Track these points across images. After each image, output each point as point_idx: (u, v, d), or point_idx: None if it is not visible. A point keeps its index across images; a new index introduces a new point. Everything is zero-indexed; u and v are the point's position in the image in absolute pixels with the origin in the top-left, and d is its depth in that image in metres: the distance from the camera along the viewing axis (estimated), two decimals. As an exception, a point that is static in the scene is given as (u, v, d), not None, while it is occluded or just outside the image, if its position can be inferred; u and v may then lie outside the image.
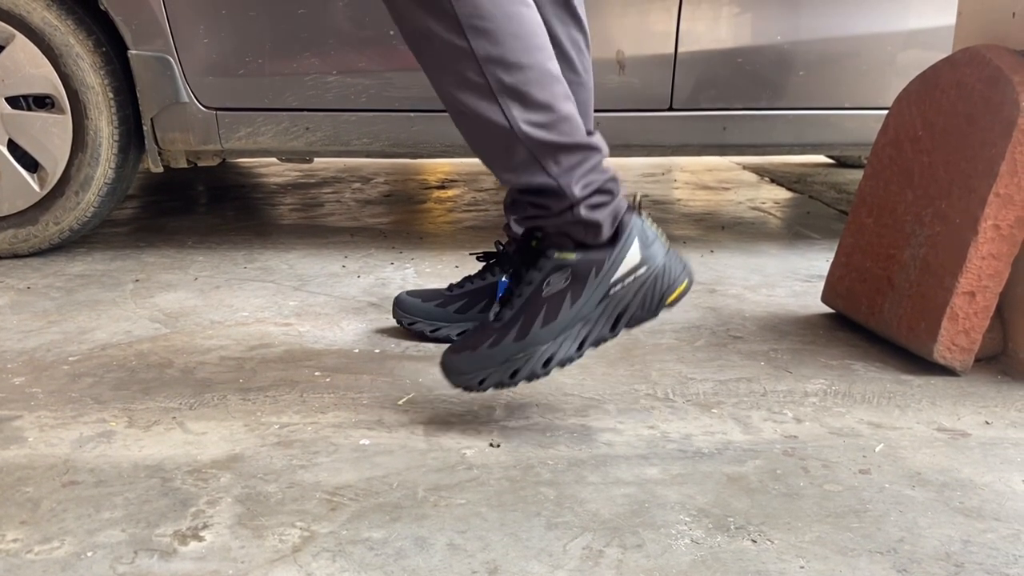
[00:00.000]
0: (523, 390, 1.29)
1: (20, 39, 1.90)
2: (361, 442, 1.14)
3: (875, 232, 1.58)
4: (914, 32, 2.09)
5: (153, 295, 1.75)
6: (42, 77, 1.92)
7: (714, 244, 2.25)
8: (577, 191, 1.10)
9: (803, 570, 0.87)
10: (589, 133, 1.12)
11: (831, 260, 2.09)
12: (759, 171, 3.56)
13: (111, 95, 1.96)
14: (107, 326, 1.56)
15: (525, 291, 1.15)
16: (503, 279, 1.46)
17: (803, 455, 1.12)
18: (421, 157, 2.13)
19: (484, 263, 1.52)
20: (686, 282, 1.16)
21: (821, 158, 3.86)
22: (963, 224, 1.37)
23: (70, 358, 1.41)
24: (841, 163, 3.73)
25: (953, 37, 1.62)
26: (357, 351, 1.46)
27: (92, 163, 1.97)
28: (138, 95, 1.95)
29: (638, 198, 1.19)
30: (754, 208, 2.78)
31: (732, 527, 0.95)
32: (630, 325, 1.15)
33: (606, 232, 1.13)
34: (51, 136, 1.95)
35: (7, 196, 1.98)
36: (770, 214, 2.69)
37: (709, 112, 2.05)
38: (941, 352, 1.37)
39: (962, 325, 1.36)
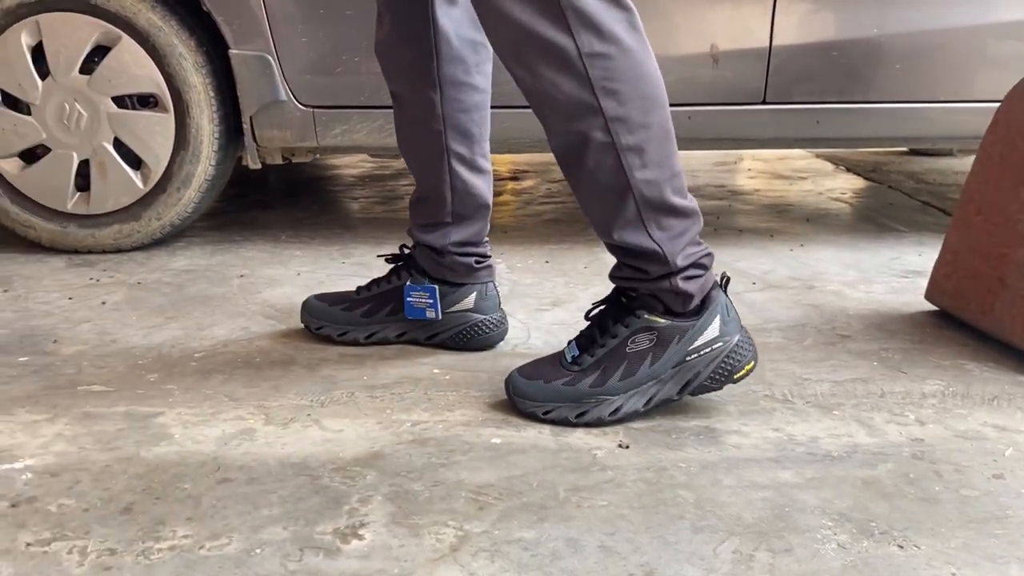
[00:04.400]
0: (642, 390, 1.31)
1: (126, 40, 1.96)
2: (493, 441, 1.17)
3: (984, 230, 1.56)
4: (1008, 24, 2.05)
5: (261, 291, 1.80)
6: (146, 77, 1.98)
7: (802, 237, 2.24)
8: (679, 261, 1.17)
9: (956, 578, 0.88)
10: (691, 198, 1.18)
11: (923, 254, 2.08)
12: (833, 159, 3.52)
13: (212, 94, 2.00)
14: (224, 322, 1.61)
15: (610, 343, 1.22)
16: (408, 283, 1.46)
17: (933, 459, 1.12)
18: (510, 152, 2.15)
19: (392, 266, 1.52)
20: (752, 363, 1.24)
21: (894, 145, 3.80)
22: (1086, 224, 1.35)
23: (196, 354, 1.46)
24: (916, 151, 3.67)
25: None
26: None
27: (193, 160, 2.03)
28: (238, 94, 1.99)
29: (726, 277, 1.26)
30: (834, 199, 2.75)
31: (876, 532, 0.96)
32: (695, 392, 1.23)
33: (694, 303, 1.21)
34: (154, 134, 2.01)
35: (112, 193, 2.04)
36: (852, 205, 2.67)
37: (803, 105, 2.04)
38: (1061, 354, 1.36)
39: (1084, 327, 1.35)
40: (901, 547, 0.94)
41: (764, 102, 2.03)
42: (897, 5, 1.99)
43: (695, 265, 1.20)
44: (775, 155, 3.60)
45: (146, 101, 2.02)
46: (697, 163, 3.42)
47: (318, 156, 2.31)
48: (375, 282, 1.52)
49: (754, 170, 3.30)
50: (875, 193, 2.86)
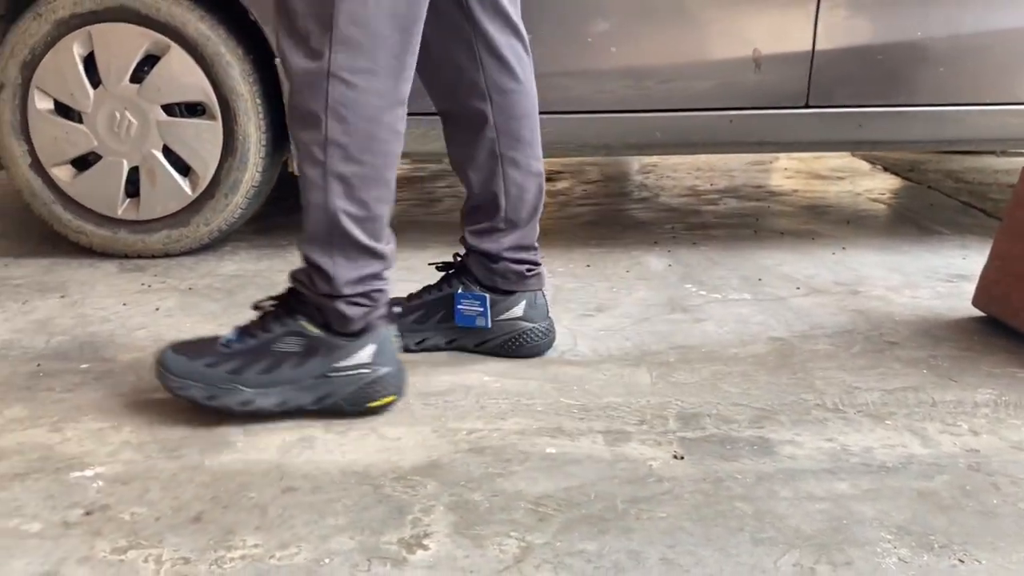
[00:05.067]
0: (693, 399, 1.32)
1: (176, 50, 1.99)
2: (548, 451, 1.18)
3: (1035, 236, 1.55)
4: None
5: (309, 296, 1.83)
6: (195, 85, 2.01)
7: (843, 240, 2.23)
8: (345, 289, 1.23)
9: (1019, 593, 0.89)
10: (387, 242, 1.26)
11: (968, 257, 2.06)
12: (869, 159, 3.50)
13: (259, 101, 2.04)
14: (275, 329, 1.64)
15: (262, 337, 1.26)
16: (459, 291, 1.48)
17: (989, 470, 1.13)
18: (551, 157, 2.16)
19: (443, 273, 1.54)
20: (394, 397, 1.29)
21: (932, 143, 3.76)
22: None
23: (251, 361, 1.49)
24: (954, 150, 3.63)
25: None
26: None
27: (241, 167, 2.06)
28: (284, 101, 2.02)
29: (399, 311, 1.33)
30: (873, 200, 2.74)
31: (936, 546, 0.97)
32: (329, 408, 1.27)
33: (352, 328, 1.26)
34: (202, 141, 2.04)
35: (161, 199, 2.08)
36: (891, 206, 2.65)
37: (846, 109, 2.03)
38: (1116, 363, 1.35)
39: None
40: (962, 561, 0.94)
41: (807, 105, 2.03)
42: (940, 7, 1.98)
43: (364, 295, 1.25)
44: (811, 154, 3.58)
45: (194, 109, 2.05)
46: (734, 163, 3.41)
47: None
48: (426, 289, 1.54)
49: (791, 169, 3.28)
50: (914, 193, 2.84)
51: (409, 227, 2.41)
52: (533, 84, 1.43)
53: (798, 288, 1.85)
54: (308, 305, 1.27)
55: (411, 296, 1.55)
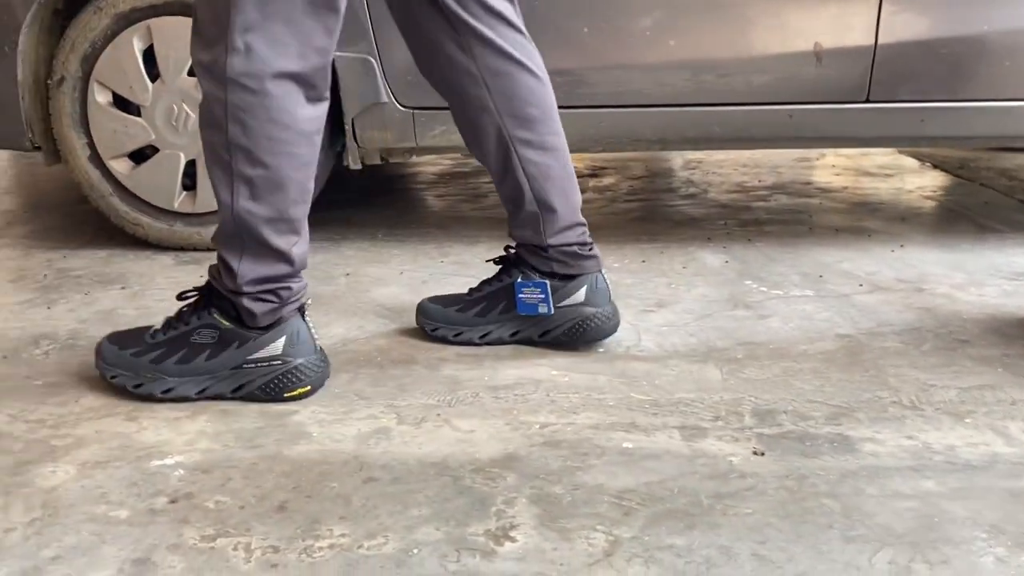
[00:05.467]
0: (767, 396, 1.31)
1: (234, 43, 2.00)
2: (624, 445, 1.18)
3: (1111, 234, 1.52)
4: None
5: (368, 289, 1.83)
6: (253, 79, 2.02)
7: (900, 237, 2.20)
8: (246, 288, 1.27)
9: (1125, 595, 0.87)
10: (295, 245, 1.28)
11: (1032, 256, 2.03)
12: (918, 156, 3.45)
13: (315, 95, 2.04)
14: (339, 321, 1.65)
15: (181, 328, 1.32)
16: (519, 280, 1.47)
17: (1078, 471, 1.10)
18: (606, 151, 2.15)
19: (500, 266, 1.53)
20: (308, 388, 1.32)
21: (980, 140, 3.70)
22: None
23: (317, 353, 1.50)
24: (1003, 147, 3.57)
25: None
26: (581, 349, 1.50)
27: (296, 160, 2.07)
28: (341, 96, 2.03)
29: (303, 305, 1.34)
30: (926, 197, 2.70)
31: (1032, 546, 0.95)
32: (247, 398, 1.31)
33: (260, 323, 1.29)
34: (260, 135, 2.05)
35: (218, 192, 2.09)
36: (945, 204, 2.61)
37: (907, 104, 2.00)
38: None
39: None
40: (1061, 562, 0.92)
41: (868, 100, 2.00)
42: (1009, 1, 1.95)
43: (270, 292, 1.28)
44: (857, 151, 3.54)
45: (251, 102, 2.06)
46: (780, 159, 3.38)
47: (414, 156, 2.34)
48: (486, 282, 1.54)
49: (838, 166, 3.24)
50: (967, 191, 2.80)
51: (456, 223, 2.41)
52: (537, 64, 1.41)
53: (860, 285, 1.82)
54: (222, 299, 1.31)
55: (471, 290, 1.54)
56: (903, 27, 1.96)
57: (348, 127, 2.05)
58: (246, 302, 1.28)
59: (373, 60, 2.00)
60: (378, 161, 2.16)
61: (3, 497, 1.07)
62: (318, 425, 1.24)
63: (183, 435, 1.22)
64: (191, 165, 2.08)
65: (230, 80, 1.17)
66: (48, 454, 1.17)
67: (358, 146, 2.09)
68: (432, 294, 1.61)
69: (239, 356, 1.29)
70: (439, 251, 2.12)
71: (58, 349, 1.52)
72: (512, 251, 1.53)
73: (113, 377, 1.31)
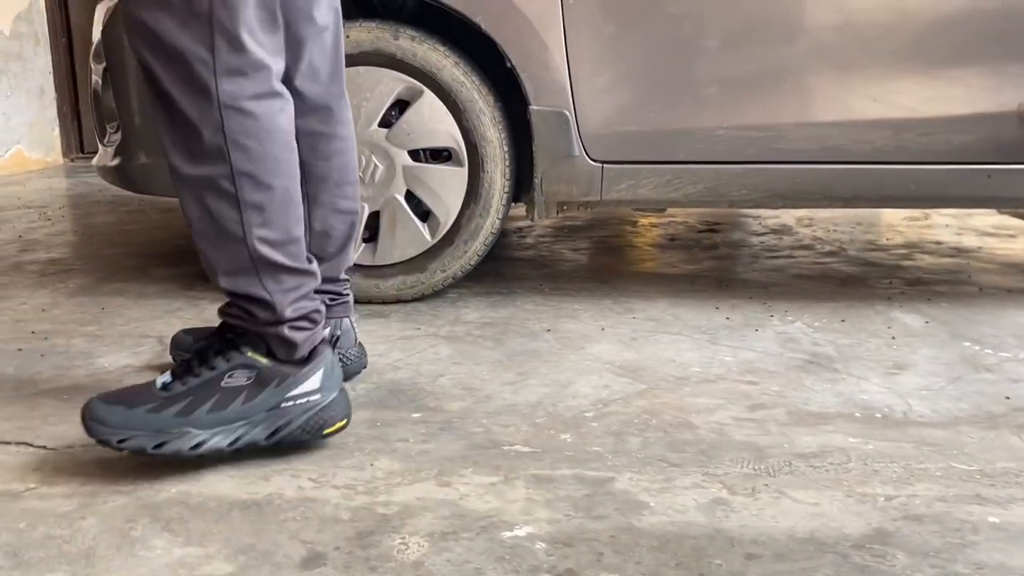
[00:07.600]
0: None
1: (428, 95, 1.97)
2: (990, 519, 1.12)
3: None
4: None
5: (582, 346, 1.78)
6: (444, 131, 1.99)
7: (1081, 300, 2.17)
8: (288, 312, 1.21)
9: None
10: (308, 260, 1.24)
11: None
12: (1021, 215, 3.45)
13: (506, 148, 2.01)
14: (580, 380, 1.59)
15: (206, 375, 1.21)
16: None
17: None
18: (797, 207, 2.12)
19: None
20: (345, 422, 1.27)
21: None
22: None
23: (585, 414, 1.43)
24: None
25: None
26: (859, 415, 1.44)
27: (483, 213, 2.03)
28: (534, 149, 1.99)
29: (336, 336, 1.32)
30: (1068, 258, 2.69)
31: None
32: (283, 440, 1.23)
33: (299, 353, 1.23)
34: (447, 187, 2.01)
35: (400, 244, 2.05)
36: (1094, 265, 2.60)
37: (1109, 167, 1.99)
38: None
39: None
40: None
41: (1069, 162, 1.99)
42: None
43: (304, 318, 1.23)
44: (960, 211, 3.54)
45: (438, 154, 2.03)
46: (890, 217, 3.37)
47: (589, 209, 2.31)
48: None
49: (953, 226, 3.24)
50: (1100, 252, 2.79)
51: (615, 276, 2.37)
52: (348, 131, 1.43)
53: (1083, 349, 1.79)
54: (250, 335, 1.23)
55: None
56: (1106, 90, 1.96)
57: (537, 180, 2.02)
58: (286, 332, 1.21)
59: (568, 113, 1.98)
60: (555, 215, 2.13)
61: (372, 574, 0.99)
62: (647, 494, 1.18)
63: (512, 503, 1.15)
64: (373, 217, 2.03)
65: (225, 106, 1.14)
66: (383, 523, 1.10)
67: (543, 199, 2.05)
68: (654, 351, 1.56)
69: (278, 395, 1.21)
70: (620, 305, 2.07)
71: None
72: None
73: (122, 441, 1.15)
